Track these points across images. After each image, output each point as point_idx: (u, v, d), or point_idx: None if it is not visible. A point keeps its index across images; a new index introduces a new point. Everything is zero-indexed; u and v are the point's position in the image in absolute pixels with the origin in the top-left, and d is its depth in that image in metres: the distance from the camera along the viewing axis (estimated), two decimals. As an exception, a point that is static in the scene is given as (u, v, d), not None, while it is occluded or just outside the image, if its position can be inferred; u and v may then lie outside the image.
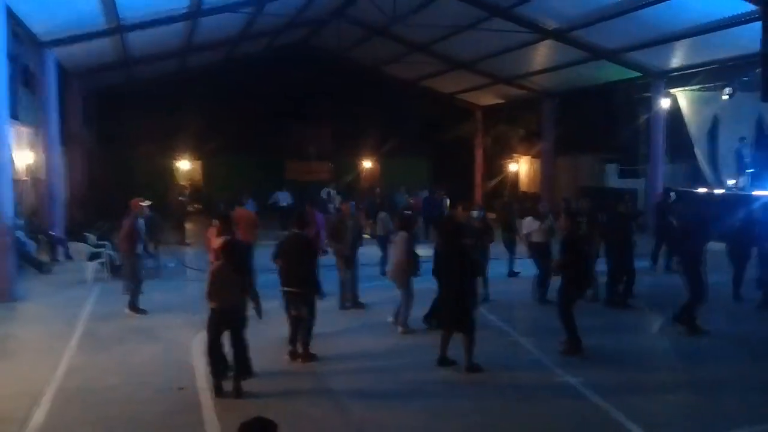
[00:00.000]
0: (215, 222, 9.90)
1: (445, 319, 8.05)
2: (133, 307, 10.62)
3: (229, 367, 7.20)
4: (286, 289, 8.24)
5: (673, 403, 7.12)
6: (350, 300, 11.08)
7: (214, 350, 7.12)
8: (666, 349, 8.97)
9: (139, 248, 10.92)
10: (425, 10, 19.68)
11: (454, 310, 7.88)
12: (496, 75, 25.45)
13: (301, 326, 8.25)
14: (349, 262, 11.05)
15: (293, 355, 8.30)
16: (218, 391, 7.05)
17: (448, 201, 19.15)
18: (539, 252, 11.63)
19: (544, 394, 7.27)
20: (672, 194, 15.75)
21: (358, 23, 22.46)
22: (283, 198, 23.04)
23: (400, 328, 9.56)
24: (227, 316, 7.08)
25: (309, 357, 8.27)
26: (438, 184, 23.41)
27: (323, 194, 21.85)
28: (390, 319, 9.88)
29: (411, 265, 9.54)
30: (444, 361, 7.95)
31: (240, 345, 7.15)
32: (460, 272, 7.88)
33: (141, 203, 11.13)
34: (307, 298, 8.26)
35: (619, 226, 11.43)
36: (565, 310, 8.53)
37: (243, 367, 7.15)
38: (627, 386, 7.45)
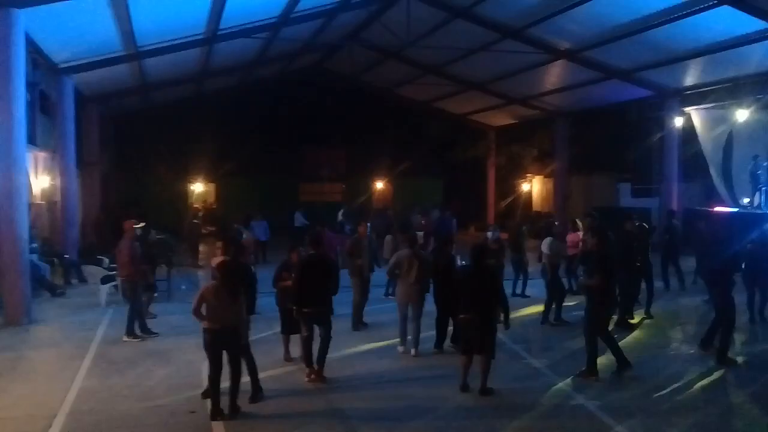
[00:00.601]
0: (218, 244, 9.95)
1: (471, 342, 7.81)
2: (131, 333, 10.48)
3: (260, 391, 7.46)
4: (304, 309, 8.23)
5: (691, 426, 6.97)
6: (359, 320, 11.06)
7: (212, 371, 7.10)
8: (685, 371, 8.77)
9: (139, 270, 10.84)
10: (438, 33, 19.84)
11: (480, 334, 7.71)
12: (509, 95, 25.52)
13: (320, 346, 8.24)
14: (364, 283, 11.02)
15: (310, 375, 8.27)
16: (217, 414, 6.98)
17: (455, 221, 19.07)
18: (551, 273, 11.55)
19: (559, 417, 7.17)
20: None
21: (372, 47, 22.65)
22: (298, 220, 23.10)
23: (413, 351, 9.48)
24: (222, 337, 7.04)
25: (322, 378, 8.23)
26: (447, 205, 23.37)
27: (340, 216, 21.79)
28: (412, 351, 9.57)
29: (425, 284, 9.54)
30: (467, 388, 7.80)
31: (237, 367, 7.15)
32: (487, 294, 7.77)
33: (134, 225, 11.11)
34: (325, 317, 8.28)
35: (626, 245, 11.28)
36: (594, 331, 8.32)
37: (236, 387, 7.17)
38: (644, 409, 7.32)
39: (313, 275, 8.25)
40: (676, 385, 8.18)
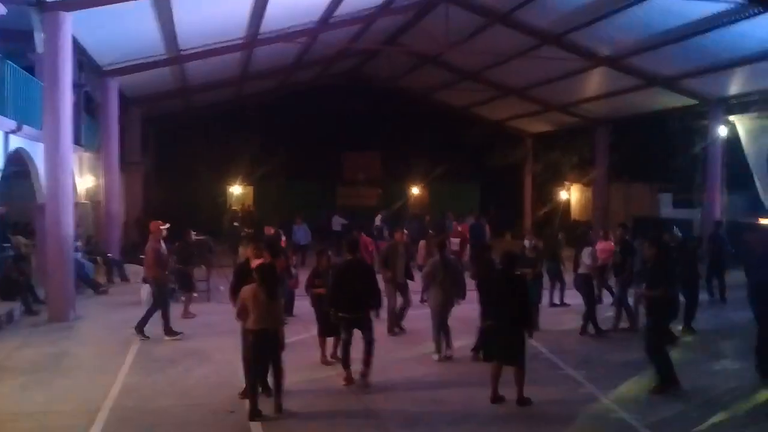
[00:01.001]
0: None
1: (499, 352, 7.72)
2: (169, 330, 10.62)
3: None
4: (340, 314, 8.28)
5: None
6: (397, 324, 11.06)
7: (252, 372, 7.21)
8: (729, 388, 8.51)
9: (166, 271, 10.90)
10: (476, 38, 19.78)
11: (508, 343, 7.63)
12: (548, 102, 25.31)
13: (364, 350, 8.28)
14: (401, 288, 11.02)
15: (349, 379, 8.30)
16: (255, 414, 7.05)
17: (487, 228, 18.93)
18: (588, 283, 11.42)
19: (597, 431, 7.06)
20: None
21: (410, 52, 22.69)
22: (335, 223, 23.22)
23: (449, 352, 9.58)
24: (264, 338, 7.11)
25: (366, 382, 8.25)
26: (482, 211, 23.23)
27: (378, 221, 21.81)
28: (448, 352, 9.67)
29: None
30: (498, 399, 7.69)
31: (278, 367, 7.24)
32: (516, 303, 7.67)
33: (161, 226, 11.08)
34: (365, 322, 8.31)
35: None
36: (658, 344, 8.14)
37: (280, 386, 7.25)
38: (687, 426, 7.14)
39: (350, 280, 8.29)
40: (719, 402, 7.97)
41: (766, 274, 9.08)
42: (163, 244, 10.99)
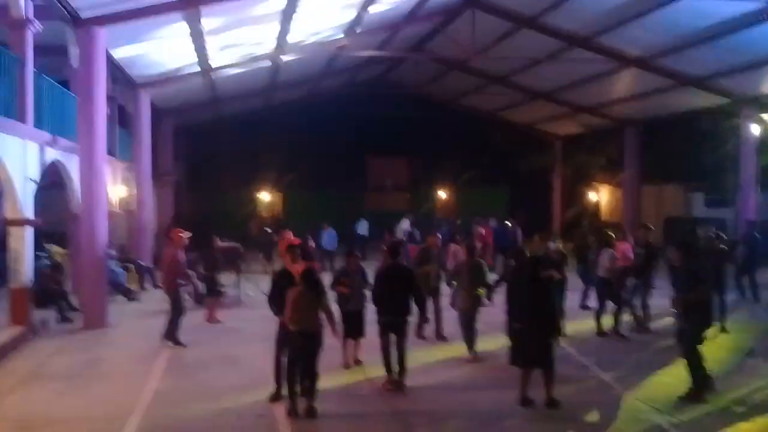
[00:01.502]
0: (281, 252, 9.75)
1: (527, 355, 7.67)
2: (172, 337, 10.58)
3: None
4: (382, 318, 8.38)
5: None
6: (435, 331, 11.00)
7: (291, 372, 7.37)
8: (763, 389, 8.41)
9: (183, 279, 10.86)
10: (503, 43, 19.75)
11: (537, 346, 7.59)
12: (576, 104, 25.13)
13: (398, 354, 8.36)
14: (434, 293, 11.01)
15: (391, 383, 8.35)
16: (293, 413, 7.26)
17: (519, 231, 18.84)
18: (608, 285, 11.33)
19: (627, 432, 7.00)
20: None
21: (437, 58, 22.72)
22: (362, 227, 23.28)
23: (472, 354, 9.67)
24: (306, 339, 7.27)
25: (402, 386, 8.31)
26: (510, 215, 23.09)
27: (407, 225, 21.53)
28: (469, 354, 9.77)
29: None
30: (526, 402, 7.66)
31: (314, 368, 7.35)
32: (543, 305, 7.65)
33: (181, 234, 11.04)
34: (403, 327, 8.42)
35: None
36: (694, 350, 7.95)
37: (315, 388, 7.36)
38: (716, 426, 7.05)
39: (391, 285, 8.40)
40: (753, 404, 7.84)
41: None
42: (182, 253, 10.99)
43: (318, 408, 7.34)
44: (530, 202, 28.86)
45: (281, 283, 7.78)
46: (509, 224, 19.47)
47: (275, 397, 7.82)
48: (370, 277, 9.06)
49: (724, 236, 12.34)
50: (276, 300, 7.72)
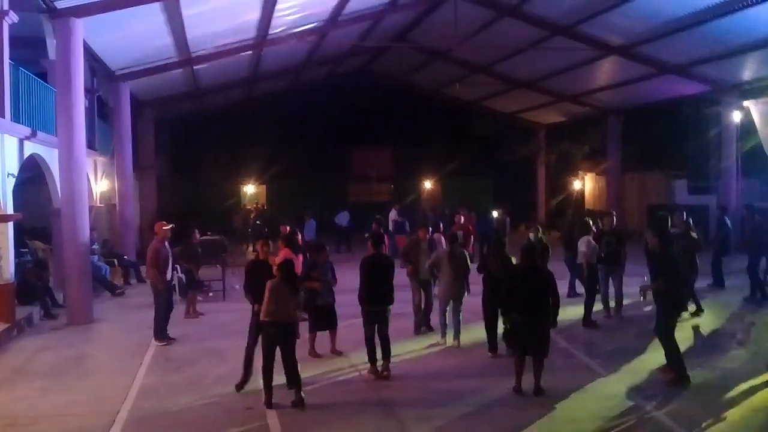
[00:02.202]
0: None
1: (526, 344, 7.70)
2: (159, 337, 10.40)
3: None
4: (370, 308, 8.48)
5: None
6: (424, 323, 10.99)
7: (265, 364, 7.41)
8: (743, 374, 8.48)
9: (168, 275, 10.64)
10: (486, 32, 19.73)
11: (533, 334, 7.63)
12: (559, 93, 25.21)
13: (383, 344, 8.47)
14: (424, 285, 10.99)
15: (375, 373, 8.43)
16: (269, 404, 7.32)
17: (508, 220, 18.97)
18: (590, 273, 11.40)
19: (617, 421, 7.03)
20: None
21: (419, 48, 22.65)
22: (342, 218, 23.18)
23: (455, 342, 9.84)
24: (280, 330, 7.34)
25: (387, 375, 8.39)
26: (494, 205, 23.12)
27: (395, 215, 21.26)
28: (454, 342, 9.89)
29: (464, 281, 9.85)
30: (521, 390, 7.70)
31: (293, 359, 7.40)
32: (539, 295, 7.67)
33: (164, 227, 10.86)
34: (386, 315, 8.53)
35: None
36: (668, 337, 8.01)
37: (297, 378, 7.41)
38: (707, 417, 7.07)
39: (376, 275, 8.50)
40: (730, 386, 7.93)
41: None
42: (166, 246, 10.80)
43: (305, 398, 7.37)
44: (515, 191, 28.98)
45: (258, 273, 7.93)
46: (497, 214, 19.53)
47: (241, 386, 7.94)
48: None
49: (690, 223, 12.42)
50: (254, 289, 7.90)
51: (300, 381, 7.46)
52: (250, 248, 19.57)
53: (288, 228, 13.60)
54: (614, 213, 12.91)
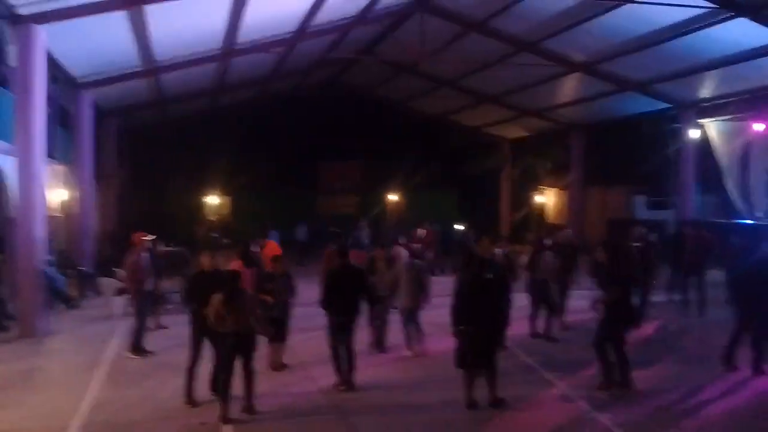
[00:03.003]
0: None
1: (475, 359, 7.65)
2: (136, 349, 10.24)
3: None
4: (334, 318, 8.47)
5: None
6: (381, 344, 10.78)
7: (224, 376, 7.29)
8: (697, 384, 8.65)
9: (148, 284, 10.55)
10: (452, 46, 19.88)
11: (485, 350, 7.63)
12: (524, 108, 25.50)
13: (348, 355, 8.44)
14: (380, 301, 10.78)
15: (342, 383, 8.42)
16: (226, 418, 7.16)
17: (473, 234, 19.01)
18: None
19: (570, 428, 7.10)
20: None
21: (386, 61, 22.75)
22: (300, 233, 22.98)
23: (414, 349, 10.00)
24: (242, 340, 7.27)
25: (352, 385, 8.38)
26: (464, 218, 23.28)
27: (359, 228, 21.13)
28: (408, 353, 10.05)
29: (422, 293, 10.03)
30: (472, 404, 7.66)
31: (252, 367, 7.37)
32: (488, 308, 7.65)
33: (143, 238, 10.79)
34: (352, 326, 8.54)
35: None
36: (601, 342, 8.20)
37: (253, 387, 7.38)
38: (655, 423, 7.22)
39: (342, 285, 8.51)
40: (682, 400, 8.07)
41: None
42: (145, 257, 10.71)
43: (258, 407, 7.34)
44: (479, 205, 29.18)
45: (204, 284, 7.78)
46: (462, 228, 19.61)
47: (189, 399, 7.84)
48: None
49: (651, 237, 12.61)
50: (197, 299, 7.74)
51: (255, 390, 7.44)
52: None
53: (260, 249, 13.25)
54: (566, 227, 13.09)
